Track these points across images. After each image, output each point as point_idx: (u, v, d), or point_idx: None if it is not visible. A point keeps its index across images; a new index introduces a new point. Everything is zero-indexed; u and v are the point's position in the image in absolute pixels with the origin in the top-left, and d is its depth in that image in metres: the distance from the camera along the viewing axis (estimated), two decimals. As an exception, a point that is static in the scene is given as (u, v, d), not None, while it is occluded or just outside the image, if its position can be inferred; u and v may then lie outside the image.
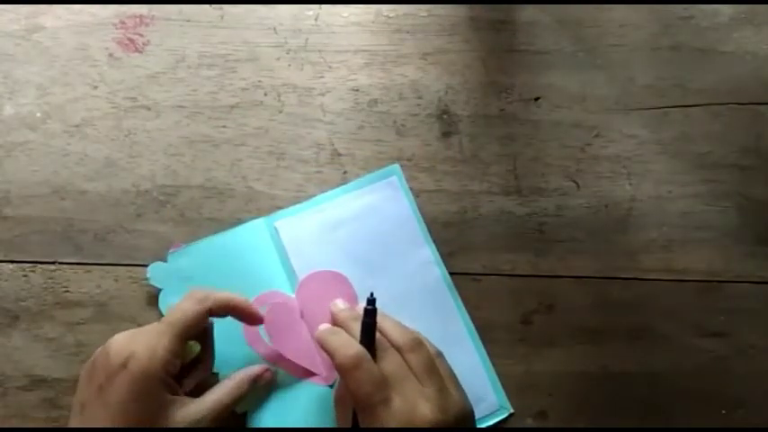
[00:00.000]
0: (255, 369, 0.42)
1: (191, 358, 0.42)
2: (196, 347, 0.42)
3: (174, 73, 0.50)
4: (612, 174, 0.49)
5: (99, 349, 0.39)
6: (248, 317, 0.43)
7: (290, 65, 0.50)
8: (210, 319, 0.42)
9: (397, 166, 0.49)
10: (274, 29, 0.51)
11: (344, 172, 0.49)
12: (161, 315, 0.45)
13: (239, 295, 0.43)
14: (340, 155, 0.49)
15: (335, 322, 0.43)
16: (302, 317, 0.45)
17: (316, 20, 0.51)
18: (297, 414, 0.44)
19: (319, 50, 0.50)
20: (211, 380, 0.41)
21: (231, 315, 0.43)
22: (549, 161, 0.49)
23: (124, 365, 0.37)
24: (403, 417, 0.36)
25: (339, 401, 0.42)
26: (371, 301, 0.41)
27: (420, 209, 0.48)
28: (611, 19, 0.52)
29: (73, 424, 0.38)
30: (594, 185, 0.49)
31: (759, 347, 0.47)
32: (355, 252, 0.47)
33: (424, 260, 0.47)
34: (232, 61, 0.50)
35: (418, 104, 0.50)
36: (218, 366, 0.43)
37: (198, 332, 0.41)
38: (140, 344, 0.38)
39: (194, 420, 0.38)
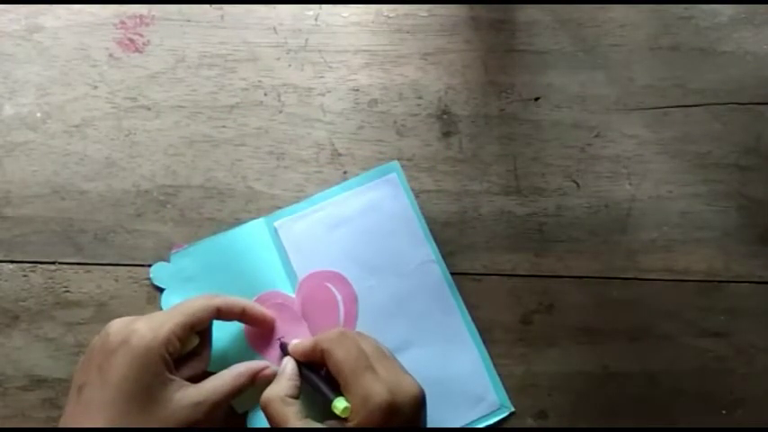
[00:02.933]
0: (256, 364, 0.42)
1: (187, 350, 0.42)
2: (195, 340, 0.42)
3: (173, 73, 0.50)
4: (612, 174, 0.49)
5: (97, 336, 0.39)
6: (260, 322, 0.44)
7: (290, 65, 0.50)
8: None
9: (396, 163, 0.49)
10: (274, 29, 0.51)
11: (344, 172, 0.49)
12: (161, 315, 0.45)
13: (248, 300, 0.44)
14: (340, 155, 0.49)
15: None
16: (302, 317, 0.45)
17: (316, 20, 0.51)
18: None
19: (319, 50, 0.51)
20: (207, 377, 0.41)
21: (240, 320, 0.43)
22: (549, 161, 0.49)
23: (125, 342, 0.38)
24: (389, 385, 0.37)
25: (269, 403, 0.39)
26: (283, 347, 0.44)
27: (420, 209, 0.48)
28: (611, 19, 0.52)
29: (69, 408, 0.38)
30: (594, 185, 0.49)
31: (759, 347, 0.47)
32: (355, 251, 0.47)
33: (425, 259, 0.47)
34: (232, 61, 0.50)
35: (418, 104, 0.50)
36: (217, 365, 0.43)
37: (203, 326, 0.41)
38: (142, 323, 0.39)
39: (194, 403, 0.38)
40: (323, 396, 0.40)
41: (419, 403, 0.38)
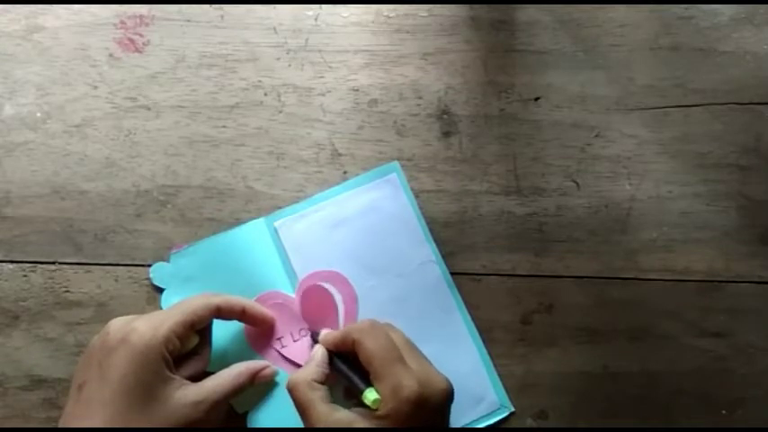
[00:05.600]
0: (256, 364, 0.43)
1: (187, 349, 0.42)
2: (194, 339, 0.42)
3: (173, 73, 0.50)
4: (612, 174, 0.49)
5: (97, 335, 0.39)
6: (260, 322, 0.44)
7: (290, 65, 0.50)
8: None
9: (396, 164, 0.49)
10: (274, 29, 0.51)
11: (344, 172, 0.49)
12: (161, 315, 0.45)
13: (248, 300, 0.44)
14: (340, 155, 0.49)
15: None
16: (302, 317, 0.45)
17: (316, 20, 0.51)
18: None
19: (319, 50, 0.50)
20: (207, 377, 0.41)
21: (240, 319, 0.43)
22: (549, 161, 0.49)
23: (125, 340, 0.38)
24: (419, 377, 0.37)
25: (296, 386, 0.39)
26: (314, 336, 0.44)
27: (420, 209, 0.48)
28: (611, 19, 0.52)
29: (69, 406, 0.38)
30: (594, 185, 0.49)
31: (759, 347, 0.47)
32: (355, 251, 0.47)
33: (425, 259, 0.47)
34: (232, 61, 0.50)
35: (418, 104, 0.50)
36: (217, 365, 0.43)
37: (203, 324, 0.41)
38: (142, 321, 0.39)
39: (194, 401, 0.38)
40: (353, 385, 0.40)
41: (447, 397, 0.38)
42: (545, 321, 0.47)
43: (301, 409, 0.39)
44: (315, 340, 0.44)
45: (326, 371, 0.41)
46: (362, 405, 0.38)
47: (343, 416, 0.37)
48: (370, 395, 0.38)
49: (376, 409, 0.37)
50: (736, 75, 0.51)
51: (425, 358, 0.40)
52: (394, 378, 0.37)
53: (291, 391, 0.39)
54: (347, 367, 0.41)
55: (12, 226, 0.47)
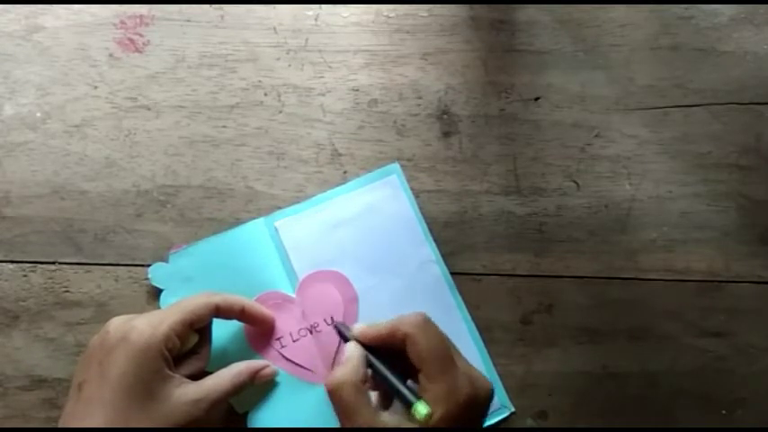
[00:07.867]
0: (256, 363, 0.42)
1: (186, 348, 0.42)
2: (194, 338, 0.42)
3: (174, 73, 0.50)
4: (612, 174, 0.49)
5: (96, 334, 0.40)
6: (260, 322, 0.44)
7: (290, 65, 0.50)
8: None
9: (396, 165, 0.49)
10: (274, 29, 0.51)
11: (344, 172, 0.49)
12: (161, 315, 0.45)
13: (247, 299, 0.44)
14: (340, 155, 0.49)
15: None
16: (302, 317, 0.45)
17: (316, 20, 0.51)
18: (297, 414, 0.44)
19: (319, 50, 0.51)
20: (206, 376, 0.41)
21: (240, 318, 0.43)
22: (549, 161, 0.49)
23: (124, 338, 0.38)
24: (470, 378, 0.36)
25: (342, 387, 0.37)
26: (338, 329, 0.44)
27: (420, 209, 0.48)
28: (611, 19, 0.52)
29: (69, 406, 0.38)
30: (594, 185, 0.49)
31: (759, 347, 0.47)
32: (355, 251, 0.47)
33: (425, 259, 0.47)
34: (232, 61, 0.50)
35: (418, 104, 0.50)
36: (217, 365, 0.43)
37: (202, 323, 0.41)
38: (142, 320, 0.39)
39: (194, 399, 0.38)
40: (397, 394, 0.37)
41: (491, 397, 0.38)
42: (545, 321, 0.47)
43: (346, 411, 0.36)
44: (341, 334, 0.43)
45: (367, 371, 0.39)
46: (403, 402, 0.36)
47: (389, 420, 0.36)
48: (422, 409, 0.35)
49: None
50: (736, 75, 0.51)
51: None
52: (450, 380, 0.36)
53: (336, 391, 0.36)
54: (387, 370, 0.38)
55: (12, 226, 0.47)
